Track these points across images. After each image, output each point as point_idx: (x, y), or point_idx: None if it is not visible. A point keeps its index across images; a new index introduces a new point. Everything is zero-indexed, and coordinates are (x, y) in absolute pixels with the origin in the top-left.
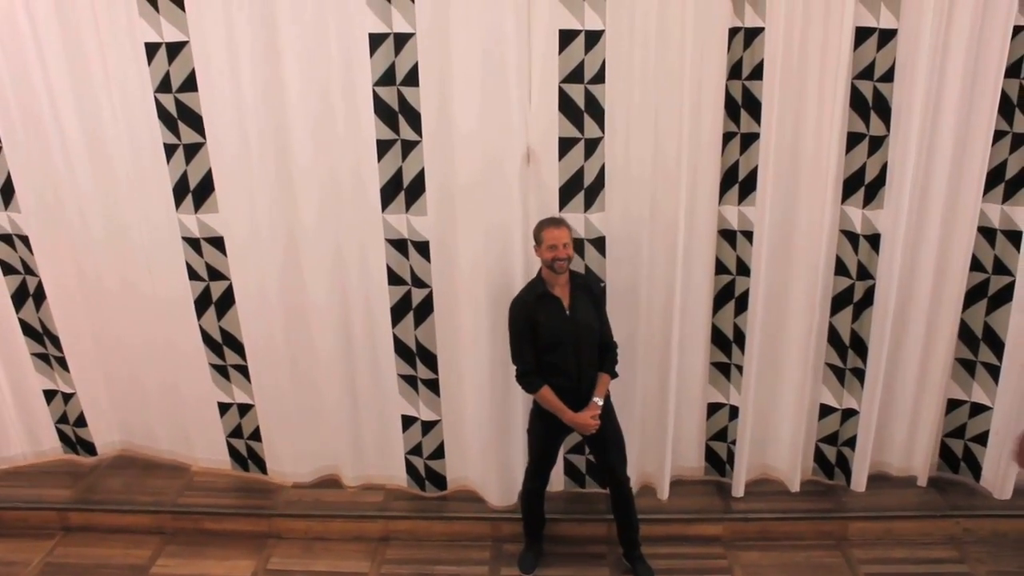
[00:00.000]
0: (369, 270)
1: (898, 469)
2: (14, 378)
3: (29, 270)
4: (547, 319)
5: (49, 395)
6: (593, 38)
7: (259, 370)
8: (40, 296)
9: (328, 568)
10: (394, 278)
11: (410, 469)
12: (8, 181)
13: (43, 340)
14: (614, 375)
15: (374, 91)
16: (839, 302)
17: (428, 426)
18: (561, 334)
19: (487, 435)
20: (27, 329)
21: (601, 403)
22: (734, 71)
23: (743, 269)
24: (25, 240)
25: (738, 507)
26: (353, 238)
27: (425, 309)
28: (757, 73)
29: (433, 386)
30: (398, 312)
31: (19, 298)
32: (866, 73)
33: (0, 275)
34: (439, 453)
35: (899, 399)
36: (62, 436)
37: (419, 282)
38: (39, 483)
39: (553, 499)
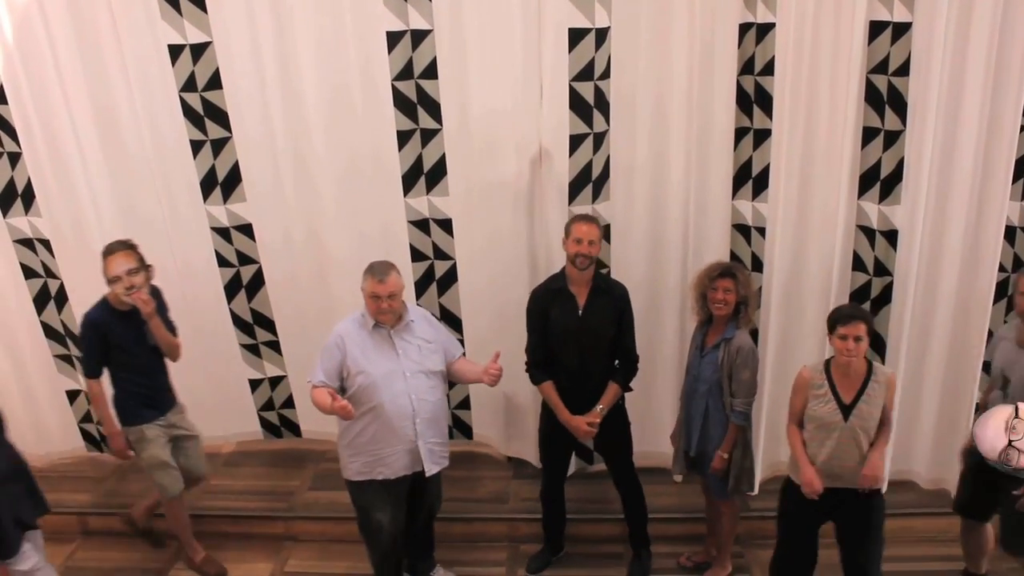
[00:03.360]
0: (392, 249)
1: (928, 480)
2: (37, 380)
3: (51, 273)
4: (558, 315)
5: (72, 395)
6: (602, 35)
7: (290, 345)
8: (62, 298)
9: (345, 571)
10: (417, 255)
11: None
12: (28, 186)
13: (65, 341)
14: (626, 388)
15: (393, 85)
16: (857, 298)
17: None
18: (569, 333)
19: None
20: (49, 331)
21: (603, 411)
22: (747, 67)
23: (758, 264)
24: (46, 244)
25: (755, 505)
26: (376, 221)
27: (449, 279)
28: (769, 68)
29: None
30: (422, 285)
31: (41, 301)
32: (880, 67)
33: (22, 278)
34: (465, 405)
35: (925, 402)
36: (86, 435)
37: (442, 255)
38: (58, 487)
39: (570, 498)
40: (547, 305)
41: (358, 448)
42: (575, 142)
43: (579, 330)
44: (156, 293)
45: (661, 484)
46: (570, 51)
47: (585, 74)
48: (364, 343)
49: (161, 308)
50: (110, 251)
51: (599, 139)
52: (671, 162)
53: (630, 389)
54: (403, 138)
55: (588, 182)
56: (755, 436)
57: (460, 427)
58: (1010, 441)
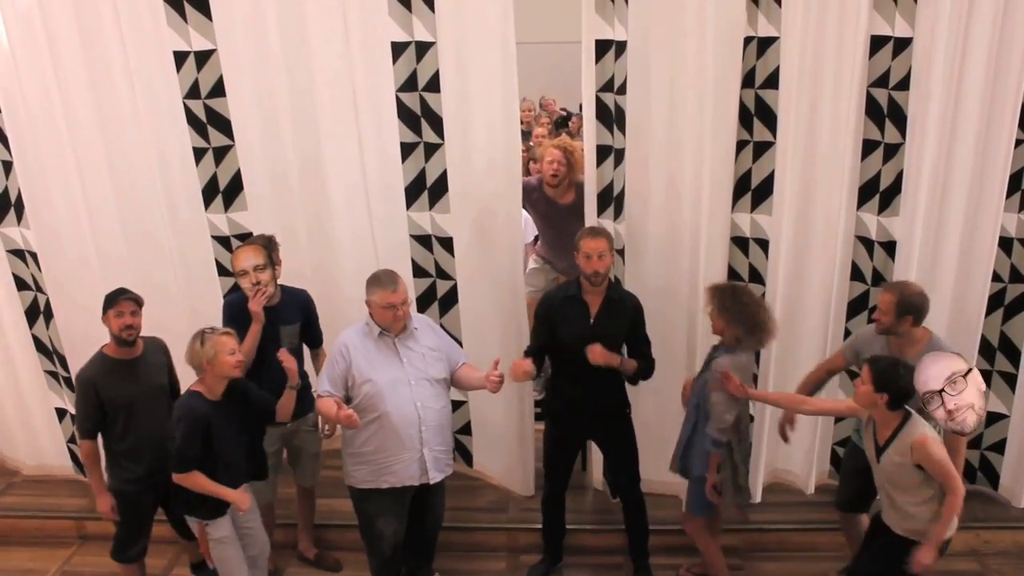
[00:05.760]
0: (394, 264)
1: None
2: (29, 394)
3: (39, 287)
4: (568, 323)
5: (60, 413)
6: (621, 48)
7: None
8: (49, 314)
9: None
10: (419, 271)
11: None
12: (20, 197)
13: (53, 358)
14: (644, 372)
15: (397, 96)
16: (855, 307)
17: (455, 405)
18: (580, 341)
19: (511, 416)
20: (39, 345)
21: (617, 359)
22: (747, 80)
23: (755, 276)
24: (35, 256)
25: (755, 517)
26: (378, 234)
27: (450, 299)
28: (770, 82)
29: None
30: (424, 302)
31: (32, 314)
32: (881, 81)
33: (15, 290)
34: (466, 430)
35: None
36: (73, 456)
37: (443, 274)
38: (56, 492)
39: (572, 509)
40: (556, 311)
41: (364, 457)
42: (603, 153)
43: (590, 338)
44: (305, 300)
45: (661, 496)
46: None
47: (608, 86)
48: (369, 352)
49: (300, 316)
50: (243, 244)
51: (619, 154)
52: (678, 177)
53: (645, 376)
54: (406, 150)
55: (611, 199)
56: (756, 445)
57: (461, 453)
58: (943, 390)
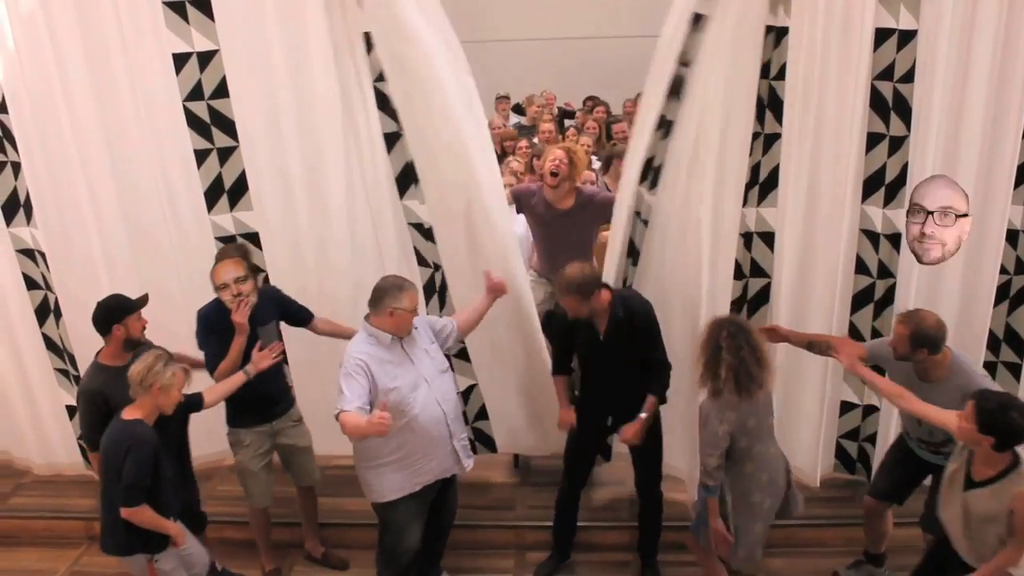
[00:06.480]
0: (396, 256)
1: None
2: (39, 392)
3: (49, 286)
4: (580, 340)
5: (71, 410)
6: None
7: (297, 353)
8: (58, 313)
9: None
10: (421, 260)
11: None
12: (28, 197)
13: (63, 356)
14: (662, 399)
15: (375, 87)
16: (860, 300)
17: (467, 392)
18: (592, 357)
19: (523, 393)
20: (49, 344)
21: (646, 420)
22: (763, 71)
23: (756, 270)
24: (44, 256)
25: None
26: (379, 229)
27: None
28: (783, 74)
29: (463, 355)
30: (427, 291)
31: (42, 312)
32: (885, 74)
33: (25, 289)
34: (483, 414)
35: None
36: (83, 451)
37: (437, 266)
38: (65, 492)
39: (580, 506)
40: (569, 330)
41: (395, 464)
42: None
43: (602, 354)
44: (274, 294)
45: (669, 492)
46: None
47: None
48: (383, 361)
49: (275, 312)
50: (219, 257)
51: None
52: (696, 167)
53: (665, 400)
54: (390, 141)
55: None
56: None
57: (484, 441)
58: (933, 212)
